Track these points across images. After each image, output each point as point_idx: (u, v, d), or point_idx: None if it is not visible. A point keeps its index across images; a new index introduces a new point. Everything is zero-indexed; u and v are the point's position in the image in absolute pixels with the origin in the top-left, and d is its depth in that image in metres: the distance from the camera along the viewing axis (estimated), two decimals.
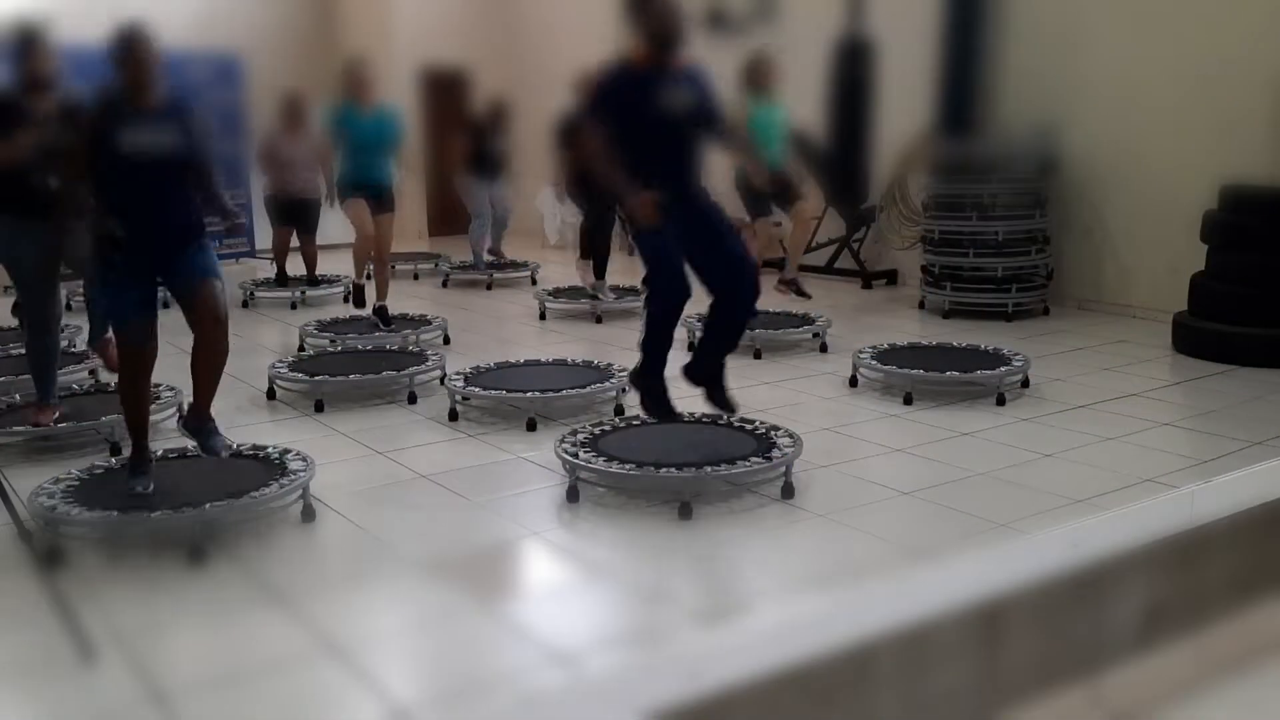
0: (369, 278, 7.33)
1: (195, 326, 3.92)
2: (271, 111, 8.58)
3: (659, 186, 4.12)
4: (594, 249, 8.23)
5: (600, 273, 8.25)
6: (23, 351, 6.31)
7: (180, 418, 4.98)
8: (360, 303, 7.22)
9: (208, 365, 3.97)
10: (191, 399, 4.07)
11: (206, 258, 3.96)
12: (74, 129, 3.92)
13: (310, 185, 8.48)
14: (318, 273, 8.84)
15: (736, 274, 4.30)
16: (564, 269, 8.98)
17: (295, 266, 8.87)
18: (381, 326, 7.01)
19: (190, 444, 4.40)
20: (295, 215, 8.65)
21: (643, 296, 4.48)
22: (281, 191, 8.56)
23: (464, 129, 9.38)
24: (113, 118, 3.80)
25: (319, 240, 8.91)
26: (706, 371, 4.50)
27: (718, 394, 4.49)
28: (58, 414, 4.85)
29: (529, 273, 9.64)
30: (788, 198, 6.87)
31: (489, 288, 9.37)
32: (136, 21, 3.82)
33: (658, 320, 4.36)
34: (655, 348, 4.40)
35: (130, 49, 3.79)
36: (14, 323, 7.13)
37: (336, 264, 8.88)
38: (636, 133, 4.10)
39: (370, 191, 6.99)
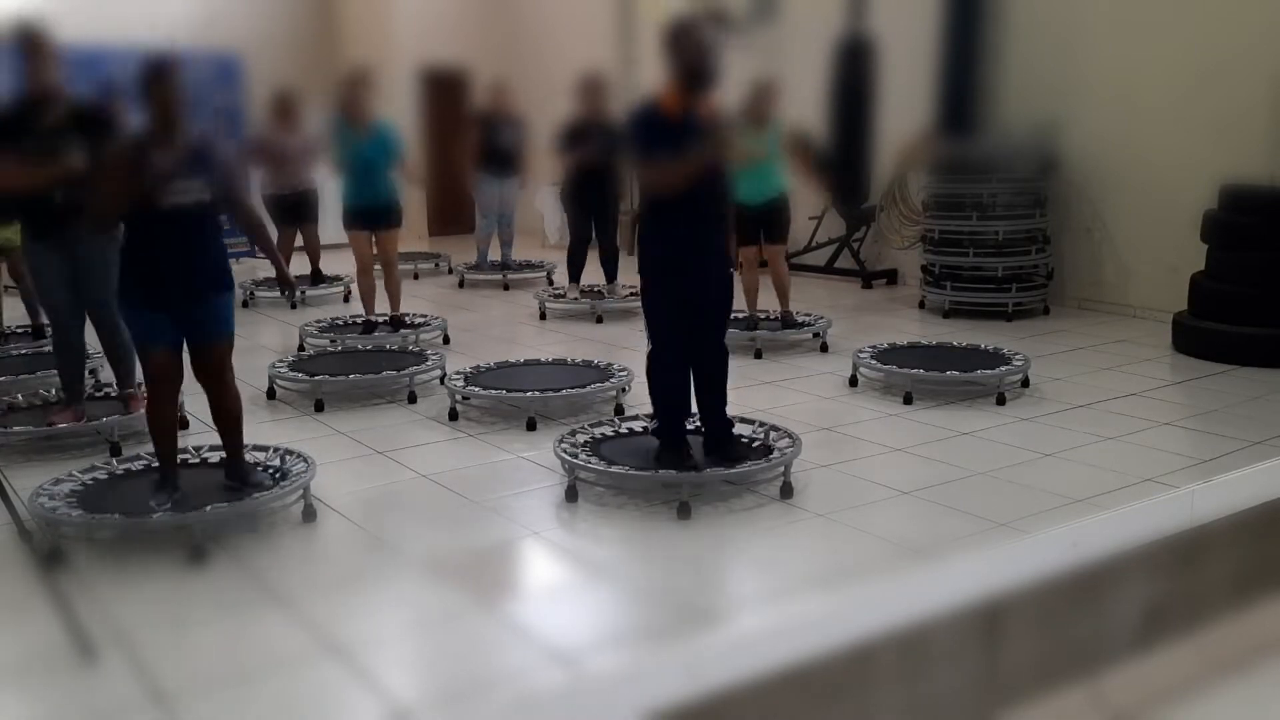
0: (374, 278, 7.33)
1: (204, 386, 4.01)
2: (264, 108, 8.60)
3: (689, 234, 4.10)
4: (603, 259, 8.23)
5: (611, 276, 8.23)
6: (24, 352, 6.37)
7: (180, 418, 5.00)
8: (371, 332, 7.06)
9: (227, 422, 4.05)
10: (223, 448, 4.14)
11: (223, 314, 3.93)
12: (99, 144, 3.87)
13: (306, 178, 8.50)
14: (322, 271, 8.86)
15: (714, 347, 4.30)
16: (565, 268, 8.95)
17: (297, 267, 8.87)
18: (396, 331, 7.02)
19: (190, 444, 4.42)
20: (296, 210, 8.66)
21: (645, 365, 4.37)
22: (280, 188, 8.58)
23: (470, 123, 9.26)
24: (144, 159, 3.69)
25: (324, 238, 8.93)
26: (718, 439, 4.40)
27: (730, 450, 4.37)
28: (82, 418, 4.88)
29: (545, 273, 9.61)
30: (777, 234, 6.82)
31: (506, 288, 9.36)
32: (167, 53, 3.73)
33: (663, 394, 4.30)
34: (667, 414, 4.31)
35: (159, 83, 3.69)
36: (15, 325, 7.15)
37: (337, 264, 8.89)
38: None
39: (371, 214, 6.97)
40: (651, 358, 4.29)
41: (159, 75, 3.69)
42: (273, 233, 9.23)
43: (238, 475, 4.04)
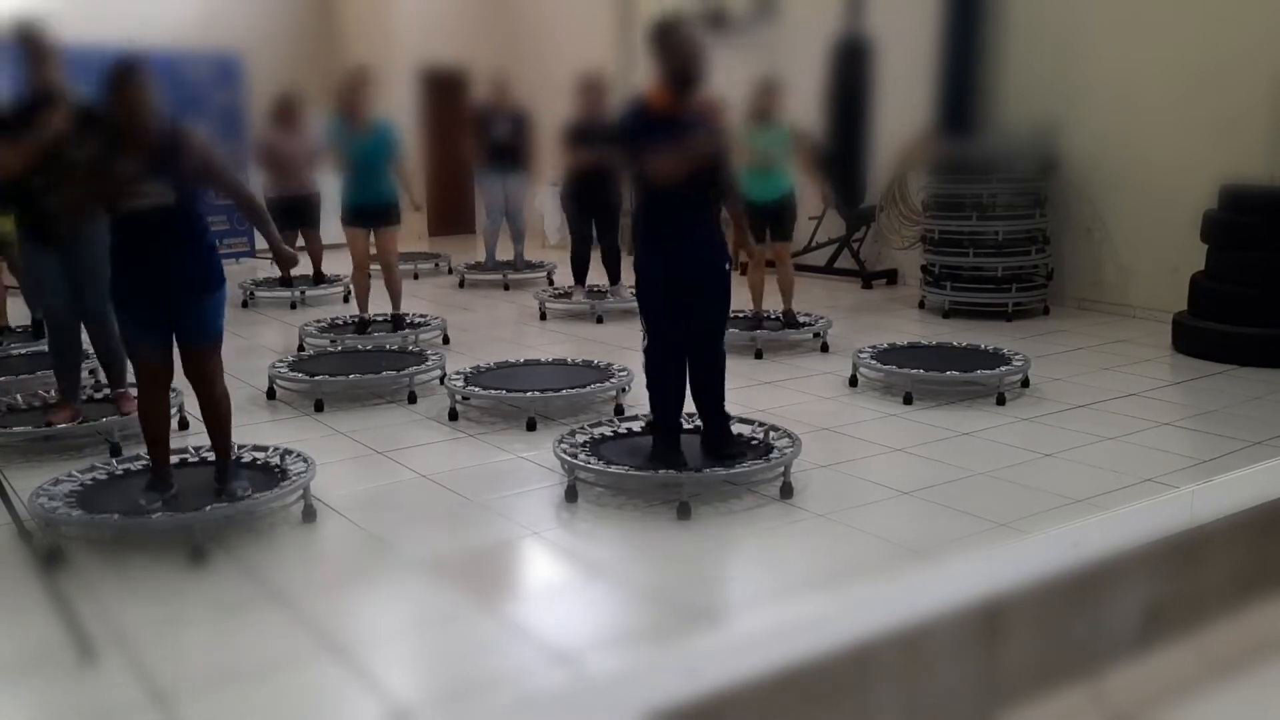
0: (369, 277, 7.31)
1: (194, 385, 3.98)
2: (265, 111, 8.59)
3: (675, 232, 4.09)
4: (605, 260, 8.19)
5: (615, 277, 8.20)
6: (23, 351, 6.36)
7: (180, 419, 5.01)
8: (365, 331, 7.03)
9: (215, 423, 4.01)
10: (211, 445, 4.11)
11: (205, 317, 3.84)
12: (87, 146, 3.83)
13: (309, 181, 8.50)
14: (323, 271, 8.86)
15: (710, 347, 4.26)
16: (565, 269, 8.96)
17: (298, 269, 8.87)
18: (396, 330, 7.00)
19: (189, 445, 4.42)
20: (298, 214, 8.65)
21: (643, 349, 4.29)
22: (282, 192, 8.57)
23: (470, 118, 9.21)
24: (107, 163, 3.63)
25: (324, 239, 8.92)
26: (714, 438, 4.35)
27: (726, 448, 4.32)
28: (80, 418, 4.87)
29: (545, 273, 9.59)
30: (782, 231, 6.86)
31: (506, 288, 9.34)
32: (133, 54, 3.66)
33: (657, 387, 4.27)
34: (662, 409, 4.28)
35: (125, 85, 3.60)
36: (13, 324, 7.15)
37: (337, 264, 8.89)
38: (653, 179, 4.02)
39: (370, 212, 6.94)
40: (647, 352, 4.27)
41: (125, 77, 3.60)
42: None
43: (222, 476, 4.00)
